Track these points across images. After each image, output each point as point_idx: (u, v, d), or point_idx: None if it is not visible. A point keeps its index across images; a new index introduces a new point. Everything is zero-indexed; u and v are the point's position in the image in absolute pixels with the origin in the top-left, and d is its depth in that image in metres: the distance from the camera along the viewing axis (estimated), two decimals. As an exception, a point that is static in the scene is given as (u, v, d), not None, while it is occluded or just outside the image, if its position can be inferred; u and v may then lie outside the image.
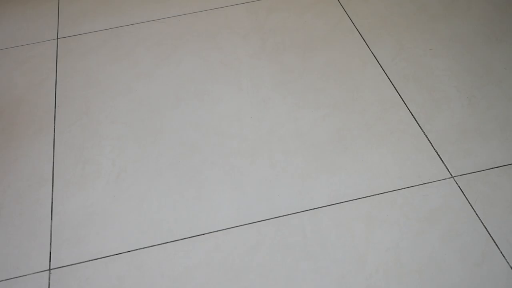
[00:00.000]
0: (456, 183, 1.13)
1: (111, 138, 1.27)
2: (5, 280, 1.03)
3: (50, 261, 1.06)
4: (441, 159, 1.17)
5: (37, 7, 1.66)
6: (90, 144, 1.26)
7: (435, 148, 1.19)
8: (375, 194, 1.12)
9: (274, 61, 1.43)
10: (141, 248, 1.06)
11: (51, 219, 1.12)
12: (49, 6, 1.67)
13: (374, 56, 1.42)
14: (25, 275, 1.04)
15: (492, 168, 1.15)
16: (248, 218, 1.10)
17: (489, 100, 1.29)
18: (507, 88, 1.31)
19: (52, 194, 1.17)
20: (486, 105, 1.28)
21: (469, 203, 1.09)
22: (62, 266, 1.05)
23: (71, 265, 1.05)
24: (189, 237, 1.08)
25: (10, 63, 1.48)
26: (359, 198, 1.11)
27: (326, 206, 1.11)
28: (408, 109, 1.28)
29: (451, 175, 1.14)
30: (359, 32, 1.49)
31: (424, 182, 1.13)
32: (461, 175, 1.14)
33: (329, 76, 1.38)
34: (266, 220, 1.09)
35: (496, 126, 1.23)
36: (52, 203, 1.15)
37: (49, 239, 1.09)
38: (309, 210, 1.10)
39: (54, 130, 1.30)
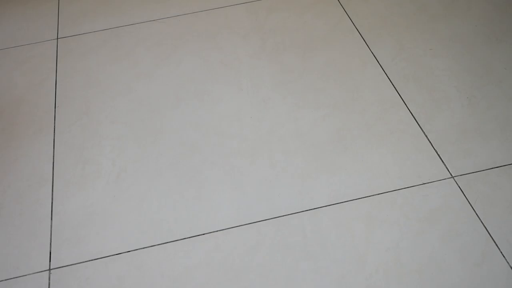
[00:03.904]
0: (456, 183, 1.13)
1: (111, 138, 1.27)
2: (5, 280, 1.03)
3: (50, 261, 1.06)
4: (441, 159, 1.17)
5: (37, 7, 1.66)
6: (90, 144, 1.26)
7: (435, 148, 1.19)
8: (375, 194, 1.12)
9: (274, 61, 1.43)
10: (141, 248, 1.06)
11: (51, 219, 1.12)
12: (49, 6, 1.67)
13: (374, 56, 1.42)
14: (25, 275, 1.04)
15: (492, 168, 1.15)
16: (248, 218, 1.10)
17: (489, 100, 1.29)
18: (507, 88, 1.31)
19: (52, 194, 1.17)
20: (486, 105, 1.28)
21: (469, 203, 1.09)
22: (62, 266, 1.05)
23: (71, 265, 1.05)
24: (189, 237, 1.08)
25: (10, 63, 1.48)
26: (359, 198, 1.11)
27: (326, 206, 1.11)
28: (408, 109, 1.28)
29: (451, 175, 1.14)
30: (359, 32, 1.49)
31: (424, 182, 1.13)
32: (461, 175, 1.14)
33: (329, 76, 1.38)
34: (266, 220, 1.09)
35: (496, 126, 1.23)
36: (52, 203, 1.15)
37: (49, 239, 1.09)
38: (309, 210, 1.10)
39: (54, 130, 1.30)
